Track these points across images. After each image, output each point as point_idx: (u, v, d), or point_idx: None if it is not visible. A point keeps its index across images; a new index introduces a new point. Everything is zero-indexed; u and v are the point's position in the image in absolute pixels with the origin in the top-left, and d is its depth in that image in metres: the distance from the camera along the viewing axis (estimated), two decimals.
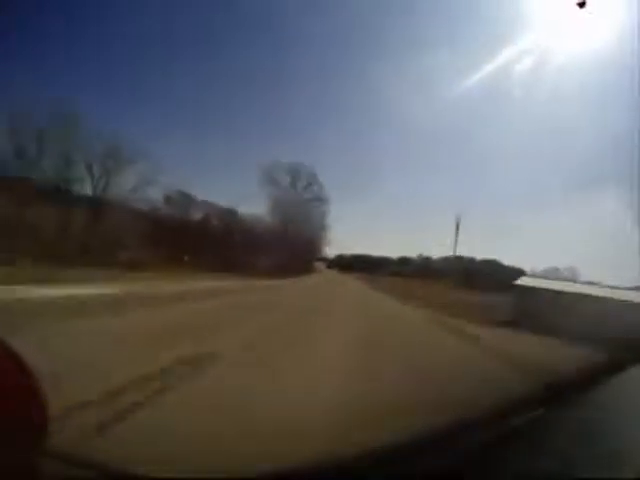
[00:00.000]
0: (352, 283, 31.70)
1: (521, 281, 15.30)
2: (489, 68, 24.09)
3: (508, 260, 38.04)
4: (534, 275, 19.21)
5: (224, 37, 32.50)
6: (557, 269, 31.22)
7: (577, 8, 4.70)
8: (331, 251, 70.83)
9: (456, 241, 29.59)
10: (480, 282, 28.57)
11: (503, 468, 0.76)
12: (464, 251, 48.96)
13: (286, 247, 30.38)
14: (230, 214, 27.02)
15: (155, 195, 21.13)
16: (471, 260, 41.72)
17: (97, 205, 16.35)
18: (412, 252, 54.98)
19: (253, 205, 29.67)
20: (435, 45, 30.34)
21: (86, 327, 4.56)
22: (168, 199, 22.44)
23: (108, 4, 19.80)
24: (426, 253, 51.79)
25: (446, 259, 45.46)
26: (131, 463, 0.85)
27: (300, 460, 0.88)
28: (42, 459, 0.70)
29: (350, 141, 52.99)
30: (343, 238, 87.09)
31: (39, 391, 0.79)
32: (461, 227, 29.75)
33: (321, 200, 37.53)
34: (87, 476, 0.74)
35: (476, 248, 41.73)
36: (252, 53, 34.40)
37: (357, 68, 39.44)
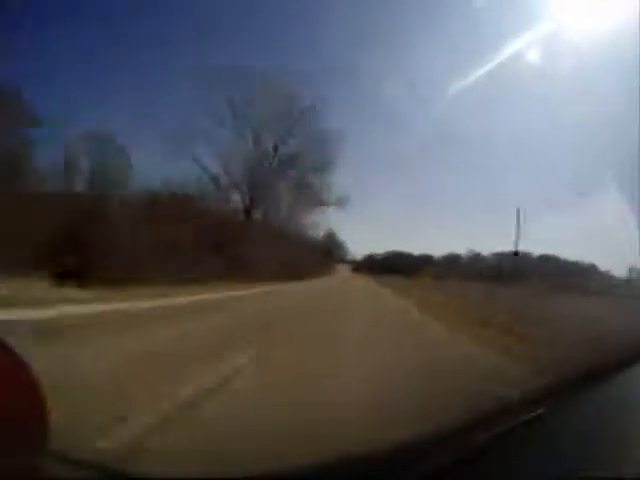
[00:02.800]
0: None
1: None
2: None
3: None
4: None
5: None
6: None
7: None
8: (361, 251, 70.48)
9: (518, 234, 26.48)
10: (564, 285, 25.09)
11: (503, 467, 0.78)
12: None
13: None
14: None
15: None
16: (526, 256, 38.97)
17: None
18: (444, 248, 53.43)
19: None
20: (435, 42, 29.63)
21: None
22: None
23: None
24: (477, 248, 49.86)
25: (499, 255, 43.11)
26: (131, 463, 0.89)
27: (300, 460, 0.90)
28: (42, 459, 0.75)
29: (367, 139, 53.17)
30: (374, 236, 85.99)
31: (40, 391, 0.86)
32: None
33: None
34: (87, 476, 0.79)
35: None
36: None
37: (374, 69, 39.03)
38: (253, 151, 29.47)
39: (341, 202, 32.79)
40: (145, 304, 8.46)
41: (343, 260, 63.91)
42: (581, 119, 29.85)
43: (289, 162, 30.70)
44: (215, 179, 27.51)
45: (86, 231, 12.56)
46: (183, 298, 10.19)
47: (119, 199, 17.15)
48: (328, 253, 47.17)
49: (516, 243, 26.01)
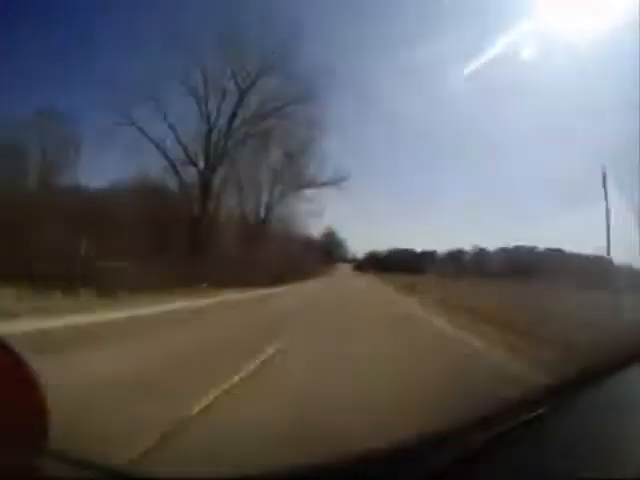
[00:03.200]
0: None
1: None
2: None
3: None
4: None
5: None
6: None
7: None
8: (363, 249, 70.37)
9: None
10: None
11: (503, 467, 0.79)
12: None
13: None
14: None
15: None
16: (531, 251, 38.69)
17: None
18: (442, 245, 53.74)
19: None
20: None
21: None
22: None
23: None
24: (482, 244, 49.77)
25: (504, 250, 42.87)
26: (131, 463, 0.90)
27: (301, 459, 0.91)
28: (42, 459, 0.76)
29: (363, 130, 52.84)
30: (376, 234, 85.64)
31: (40, 391, 0.87)
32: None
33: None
34: (87, 476, 0.80)
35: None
36: None
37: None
38: (210, 110, 19.84)
39: (337, 180, 23.40)
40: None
41: (344, 259, 63.71)
42: (581, 117, 29.72)
43: (259, 120, 20.61)
44: (166, 155, 19.45)
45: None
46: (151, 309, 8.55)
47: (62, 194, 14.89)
48: (328, 252, 47.13)
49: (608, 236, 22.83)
